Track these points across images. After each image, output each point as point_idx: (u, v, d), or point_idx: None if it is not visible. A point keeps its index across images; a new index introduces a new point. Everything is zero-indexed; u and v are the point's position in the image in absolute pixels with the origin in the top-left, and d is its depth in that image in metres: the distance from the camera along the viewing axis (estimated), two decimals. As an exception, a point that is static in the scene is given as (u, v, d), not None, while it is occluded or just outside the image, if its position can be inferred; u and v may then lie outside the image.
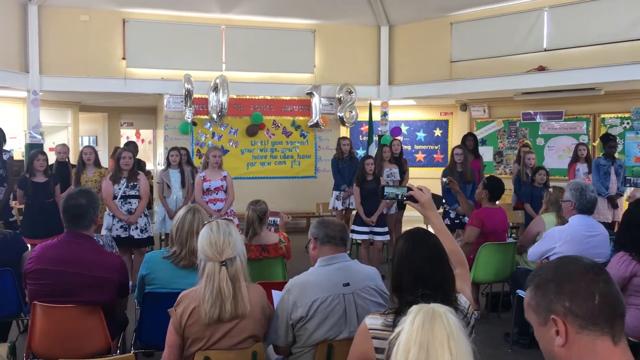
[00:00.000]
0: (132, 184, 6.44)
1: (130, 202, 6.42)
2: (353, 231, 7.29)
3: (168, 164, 7.59)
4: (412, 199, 2.56)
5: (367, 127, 11.37)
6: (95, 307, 3.22)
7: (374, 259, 7.16)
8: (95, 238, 3.61)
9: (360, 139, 12.62)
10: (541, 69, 9.73)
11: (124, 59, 10.42)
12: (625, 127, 10.13)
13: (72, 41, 10.15)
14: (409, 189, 2.57)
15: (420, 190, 2.55)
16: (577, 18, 9.42)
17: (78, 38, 10.17)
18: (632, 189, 6.57)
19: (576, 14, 9.43)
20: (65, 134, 12.77)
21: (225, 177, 6.96)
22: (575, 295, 1.39)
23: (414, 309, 1.44)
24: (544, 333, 1.45)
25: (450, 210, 7.17)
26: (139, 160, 10.20)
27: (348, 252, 8.41)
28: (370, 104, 11.17)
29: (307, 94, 11.13)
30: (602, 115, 10.44)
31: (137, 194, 6.46)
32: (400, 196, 2.59)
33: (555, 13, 9.69)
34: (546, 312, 1.43)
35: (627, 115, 10.08)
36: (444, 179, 6.07)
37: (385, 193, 2.64)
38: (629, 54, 8.77)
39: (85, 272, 3.17)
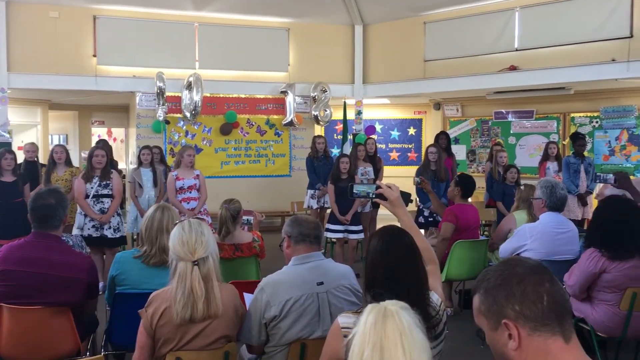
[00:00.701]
0: (104, 182, 6.34)
1: (102, 201, 6.32)
2: (328, 230, 7.30)
3: (140, 163, 7.50)
4: (381, 197, 2.56)
5: (341, 125, 11.38)
6: (64, 309, 3.16)
7: (348, 257, 7.17)
8: (64, 238, 3.54)
9: (335, 137, 12.64)
10: (513, 68, 9.85)
11: (94, 56, 10.25)
12: (594, 126, 10.33)
13: (41, 38, 9.95)
14: (378, 186, 2.57)
15: (389, 187, 2.56)
16: (547, 18, 9.56)
17: (47, 35, 9.98)
18: (601, 186, 6.68)
19: (546, 15, 9.57)
20: (34, 133, 12.52)
21: (197, 175, 6.91)
22: (524, 298, 1.41)
23: (367, 308, 1.42)
24: (496, 337, 1.46)
25: (423, 209, 7.23)
26: (112, 160, 10.07)
27: (322, 250, 8.41)
28: (345, 102, 11.19)
29: (282, 92, 11.10)
30: (572, 114, 10.62)
31: (110, 192, 6.37)
32: (370, 194, 2.59)
33: (526, 13, 9.83)
34: (497, 316, 1.43)
35: (596, 114, 10.28)
36: (416, 179, 6.10)
37: (354, 191, 2.64)
38: (598, 54, 8.93)
39: (53, 272, 3.10)
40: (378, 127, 12.84)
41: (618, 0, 8.88)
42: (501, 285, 1.44)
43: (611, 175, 4.81)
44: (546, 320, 1.39)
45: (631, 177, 5.13)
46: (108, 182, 6.36)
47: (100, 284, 3.99)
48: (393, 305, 1.41)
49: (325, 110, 11.24)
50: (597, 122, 10.28)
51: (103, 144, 7.84)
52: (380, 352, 1.33)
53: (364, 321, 1.38)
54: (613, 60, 8.73)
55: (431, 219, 7.06)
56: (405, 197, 2.62)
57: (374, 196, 2.58)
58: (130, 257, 3.33)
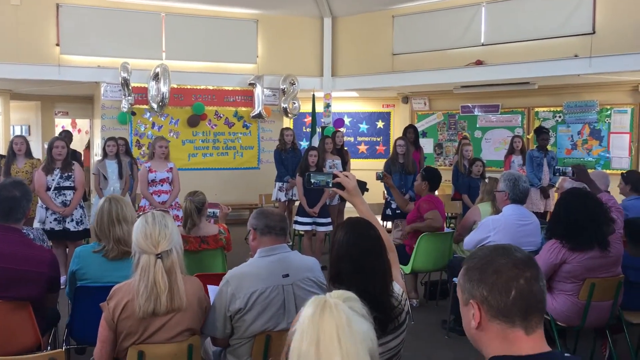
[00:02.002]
0: (66, 174, 6.22)
1: (64, 194, 6.20)
2: (296, 222, 7.31)
3: (105, 155, 7.37)
4: (339, 186, 2.57)
5: (310, 118, 11.38)
6: (24, 303, 3.09)
7: (316, 249, 7.20)
8: (25, 231, 3.46)
9: (304, 130, 12.62)
10: (479, 63, 9.98)
11: (57, 45, 10.01)
12: (557, 120, 10.54)
13: (2, 26, 9.66)
14: (335, 175, 2.58)
15: (346, 176, 2.57)
16: (512, 14, 9.71)
17: (8, 23, 9.69)
18: (560, 179, 6.83)
19: (512, 10, 9.72)
20: (-5, 123, 12.17)
21: (171, 168, 6.83)
22: (493, 287, 1.45)
23: (309, 302, 1.38)
24: (465, 312, 1.53)
25: (391, 201, 7.28)
26: (74, 151, 9.88)
27: (290, 242, 8.38)
28: (314, 95, 11.18)
29: (250, 84, 11.02)
30: (536, 109, 10.81)
31: (72, 185, 6.24)
32: (327, 183, 2.60)
33: (492, 9, 9.96)
34: (468, 294, 1.51)
35: (559, 109, 10.48)
36: (378, 173, 6.10)
37: (312, 180, 2.64)
38: (561, 50, 9.11)
39: (13, 266, 3.03)
40: (347, 120, 12.87)
41: (581, -3, 9.07)
42: (479, 269, 1.49)
43: (570, 168, 4.91)
44: (507, 313, 1.44)
45: (589, 170, 5.24)
46: (70, 173, 6.24)
47: (62, 278, 3.92)
48: (334, 297, 1.38)
49: (294, 103, 11.21)
50: (560, 116, 10.50)
51: (65, 135, 7.69)
52: (316, 346, 1.30)
53: (303, 315, 1.35)
54: (576, 56, 8.92)
55: (398, 212, 7.11)
56: (362, 186, 2.63)
57: (331, 185, 2.59)
58: (90, 251, 3.28)
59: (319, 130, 10.95)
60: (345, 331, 1.32)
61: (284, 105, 11.18)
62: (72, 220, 6.24)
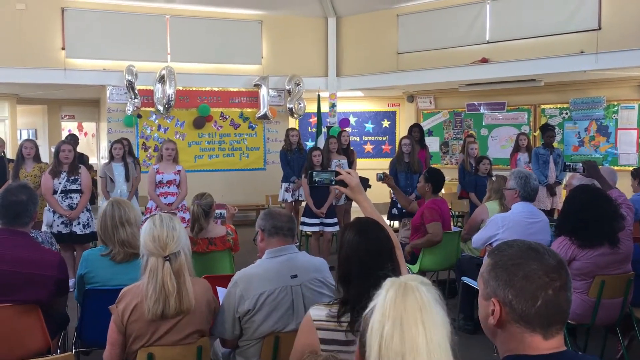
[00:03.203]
0: (73, 177, 6.23)
1: (71, 197, 6.22)
2: (303, 223, 7.30)
3: (111, 157, 7.39)
4: (342, 183, 2.57)
5: (315, 118, 11.37)
6: (33, 306, 3.09)
7: (323, 250, 7.19)
8: (33, 235, 3.48)
9: (309, 130, 12.62)
10: (484, 60, 9.94)
11: (63, 49, 10.05)
12: (564, 117, 10.49)
13: (8, 31, 9.70)
14: (338, 173, 2.58)
15: (349, 174, 2.56)
16: (517, 11, 9.67)
17: (14, 27, 9.73)
18: (569, 176, 6.80)
19: (517, 7, 9.68)
20: (2, 128, 12.24)
21: (179, 171, 6.84)
22: (520, 293, 1.42)
23: (386, 283, 1.38)
24: (484, 305, 1.52)
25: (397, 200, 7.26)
26: (82, 154, 9.92)
27: (297, 243, 8.38)
28: (319, 95, 11.17)
29: (255, 85, 11.03)
30: (542, 106, 10.76)
31: (79, 188, 6.26)
32: (330, 181, 2.60)
33: (497, 6, 9.91)
34: (491, 291, 1.48)
35: (565, 105, 10.43)
36: (379, 174, 6.02)
37: (315, 179, 2.64)
38: (567, 46, 9.06)
39: (22, 269, 3.04)
40: (352, 120, 12.86)
41: (586, -7, 9.02)
42: (508, 270, 1.45)
43: (580, 164, 4.89)
44: (530, 321, 1.42)
45: (599, 166, 5.21)
46: (77, 177, 6.25)
47: (71, 281, 3.93)
48: (413, 281, 1.38)
49: (300, 103, 11.21)
50: (566, 113, 10.44)
51: (71, 138, 7.72)
52: (400, 327, 1.30)
53: (383, 296, 1.35)
54: (582, 52, 8.87)
55: (405, 210, 7.09)
56: (364, 183, 2.64)
57: (334, 183, 2.59)
58: (98, 255, 3.28)
59: (324, 130, 10.94)
60: (429, 313, 1.32)
61: (290, 106, 11.18)
62: (79, 223, 6.26)
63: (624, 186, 5.97)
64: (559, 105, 10.55)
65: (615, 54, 8.55)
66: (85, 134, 15.78)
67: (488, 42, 10.03)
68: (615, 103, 9.92)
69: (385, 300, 1.34)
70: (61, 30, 10.05)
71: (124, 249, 3.20)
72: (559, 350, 1.45)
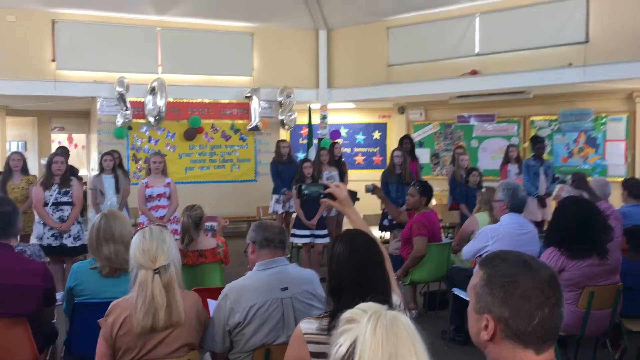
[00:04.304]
0: (64, 190, 6.21)
1: (62, 209, 6.20)
2: (294, 235, 7.30)
3: (101, 170, 7.36)
4: (330, 196, 2.57)
5: (306, 130, 11.39)
6: (21, 319, 3.06)
7: (314, 261, 7.18)
8: (21, 248, 3.45)
9: (300, 142, 12.63)
10: (474, 73, 10.02)
11: (53, 60, 10.03)
12: (553, 129, 10.57)
13: (-2, 42, 9.70)
14: (326, 186, 2.59)
15: (337, 187, 2.57)
16: (506, 24, 9.77)
17: (4, 39, 9.71)
18: (558, 187, 6.85)
19: (506, 20, 9.77)
20: (-9, 140, 12.17)
21: (168, 183, 6.80)
22: (517, 312, 1.42)
23: (365, 318, 1.29)
24: (475, 320, 1.50)
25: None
26: (72, 167, 9.86)
27: (288, 255, 8.38)
28: (310, 107, 11.20)
29: (246, 97, 11.04)
30: (532, 118, 10.85)
31: (70, 200, 6.24)
32: (319, 194, 2.61)
33: (486, 19, 10.01)
34: (485, 306, 1.47)
35: (554, 117, 10.52)
36: (368, 186, 6.01)
37: (304, 192, 2.64)
38: (556, 58, 9.15)
39: (6, 282, 3.01)
40: (343, 132, 12.89)
41: (574, 6, 9.13)
42: (505, 288, 1.44)
43: (569, 176, 4.92)
44: (525, 339, 1.42)
45: (588, 178, 5.26)
46: (68, 189, 6.23)
47: (60, 294, 3.90)
48: (394, 312, 1.32)
49: (291, 115, 11.24)
50: (555, 125, 10.53)
51: (62, 151, 7.69)
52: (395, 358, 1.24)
53: (371, 331, 1.25)
54: (570, 64, 8.96)
55: (395, 222, 7.11)
56: (352, 196, 2.64)
57: (322, 196, 2.59)
58: (87, 267, 3.26)
59: (315, 142, 10.96)
60: (419, 344, 1.28)
61: (281, 118, 11.20)
62: (70, 236, 6.23)
63: (613, 197, 6.02)
64: (548, 117, 10.64)
65: (603, 67, 8.64)
66: (75, 145, 15.70)
67: (478, 55, 10.12)
68: (604, 115, 10.02)
69: (376, 335, 1.25)
70: (51, 42, 10.04)
71: (108, 263, 3.17)
72: None
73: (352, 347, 1.27)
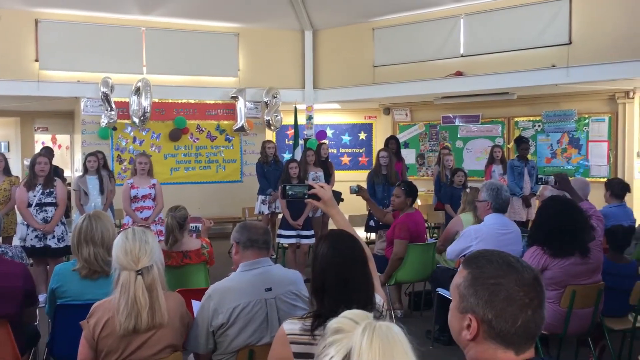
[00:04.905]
0: (48, 190, 6.16)
1: (46, 210, 6.15)
2: (280, 235, 7.30)
3: (85, 170, 7.30)
4: (315, 197, 2.58)
5: (292, 131, 11.39)
6: (2, 321, 3.03)
7: (300, 262, 7.18)
8: (2, 249, 3.42)
9: (287, 142, 12.63)
10: (459, 74, 10.08)
11: (36, 60, 9.93)
12: (536, 129, 10.66)
13: (-20, 42, 9.58)
14: (311, 187, 2.60)
15: (322, 187, 2.58)
16: (491, 25, 9.84)
17: (-14, 39, 9.62)
18: (542, 187, 6.91)
19: (490, 22, 9.85)
20: (-27, 140, 12.03)
21: (154, 185, 6.77)
22: (500, 315, 1.43)
23: (361, 326, 1.24)
24: (458, 319, 1.51)
25: (374, 212, 7.29)
26: (56, 167, 9.78)
27: (274, 256, 8.33)
28: (296, 107, 11.20)
29: (232, 97, 11.02)
30: (516, 119, 10.94)
31: (54, 201, 6.19)
32: (303, 195, 2.61)
33: (471, 20, 10.08)
34: (468, 306, 1.48)
35: (538, 118, 10.61)
36: (353, 187, 6.01)
37: (288, 192, 2.65)
38: (539, 60, 9.24)
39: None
40: (329, 132, 12.91)
41: (557, 8, 9.22)
42: (488, 289, 1.45)
43: (552, 177, 4.97)
44: (507, 340, 1.44)
45: (570, 178, 5.31)
46: (52, 190, 6.18)
47: (43, 296, 3.87)
48: (387, 324, 1.28)
49: (277, 116, 11.23)
50: (539, 126, 10.62)
51: (46, 151, 7.62)
52: None
53: (367, 345, 1.21)
54: (553, 66, 9.05)
55: (382, 223, 7.13)
56: (337, 196, 2.65)
57: (307, 196, 2.60)
58: (70, 269, 3.23)
59: (301, 142, 10.96)
60: (411, 354, 1.25)
61: (267, 118, 11.19)
62: (54, 237, 6.19)
63: (596, 197, 6.09)
64: (531, 118, 10.73)
65: (586, 68, 8.74)
66: (60, 146, 15.57)
67: (462, 56, 10.18)
68: (586, 116, 10.13)
69: (372, 348, 1.21)
70: (35, 42, 9.94)
71: (87, 265, 3.15)
72: (525, 358, 1.47)
73: (347, 359, 1.23)
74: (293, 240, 7.21)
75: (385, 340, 1.22)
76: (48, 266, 6.26)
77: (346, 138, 13.20)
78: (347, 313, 1.32)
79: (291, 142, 11.70)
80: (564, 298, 3.88)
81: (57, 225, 6.22)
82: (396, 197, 5.80)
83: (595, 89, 9.69)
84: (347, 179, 10.67)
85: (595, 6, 8.96)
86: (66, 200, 6.49)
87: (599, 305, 4.02)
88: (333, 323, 1.28)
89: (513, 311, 1.42)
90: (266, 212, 8.50)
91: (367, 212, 7.96)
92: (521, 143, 8.45)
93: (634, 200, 8.38)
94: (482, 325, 1.45)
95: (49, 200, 6.16)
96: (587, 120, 10.12)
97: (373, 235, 7.96)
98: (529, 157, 8.74)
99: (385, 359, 1.20)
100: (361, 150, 13.17)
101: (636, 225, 5.81)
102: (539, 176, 5.47)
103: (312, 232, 7.29)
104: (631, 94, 9.65)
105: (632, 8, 8.56)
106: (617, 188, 5.84)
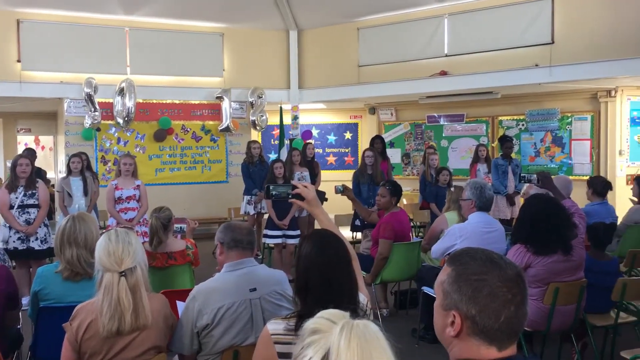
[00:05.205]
0: (30, 192, 6.11)
1: (28, 212, 6.10)
2: (266, 235, 7.29)
3: (69, 172, 7.25)
4: (298, 197, 2.58)
5: (278, 131, 11.37)
6: (-16, 325, 3.01)
7: (286, 262, 7.18)
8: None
9: (272, 142, 12.62)
10: (443, 73, 10.13)
11: (19, 61, 9.82)
12: (520, 128, 10.75)
13: (-40, 42, 9.46)
14: (294, 187, 2.60)
15: (305, 187, 2.58)
16: (474, 25, 9.90)
17: (-33, 39, 9.50)
18: (526, 185, 6.97)
19: (474, 21, 9.91)
20: (-46, 142, 11.88)
21: (138, 186, 6.72)
22: (484, 310, 1.44)
23: (338, 326, 1.23)
24: (442, 316, 1.52)
25: (359, 212, 7.30)
26: (39, 169, 9.69)
27: (260, 256, 8.31)
28: (281, 107, 11.19)
29: (217, 97, 10.98)
30: (500, 118, 11.02)
31: (36, 203, 6.14)
32: (288, 194, 2.62)
33: (455, 20, 10.14)
34: (452, 303, 1.48)
35: (522, 117, 10.71)
36: (338, 187, 6.00)
37: (272, 192, 2.65)
38: (522, 59, 9.31)
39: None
40: (315, 132, 12.91)
41: (540, 8, 9.30)
42: (472, 285, 1.46)
43: (534, 175, 5.02)
44: (490, 336, 1.45)
45: (553, 176, 5.36)
46: (34, 191, 6.13)
47: (26, 299, 3.83)
48: (365, 321, 1.26)
49: (262, 116, 11.21)
50: (523, 124, 10.71)
51: (28, 153, 7.55)
52: None
53: (345, 344, 1.19)
54: (536, 65, 9.13)
55: (367, 222, 7.15)
56: (321, 196, 2.67)
57: (290, 196, 2.60)
58: (53, 271, 3.20)
59: (287, 142, 10.96)
60: (391, 348, 1.24)
61: (252, 118, 11.17)
62: (37, 238, 6.15)
63: (579, 195, 6.16)
64: (515, 117, 10.82)
65: (568, 67, 8.83)
66: (43, 147, 15.43)
67: (447, 56, 10.23)
68: (569, 114, 10.23)
69: (351, 347, 1.19)
70: (17, 42, 9.83)
71: (70, 267, 3.13)
72: (507, 355, 1.48)
73: (325, 359, 1.21)
74: (279, 241, 7.21)
75: (363, 339, 1.21)
76: (31, 268, 6.21)
77: (332, 138, 13.22)
78: (323, 313, 1.30)
79: (277, 142, 11.69)
80: (547, 295, 3.92)
81: (40, 227, 6.18)
82: (382, 196, 5.81)
83: (578, 88, 9.80)
84: (333, 179, 10.68)
85: (577, 6, 9.05)
86: (49, 202, 6.44)
87: (581, 302, 4.07)
88: (310, 324, 1.26)
89: (496, 307, 1.43)
90: (252, 212, 8.48)
91: (352, 212, 7.97)
92: (505, 142, 8.52)
93: (616, 198, 8.47)
94: (465, 322, 1.46)
95: (31, 201, 6.11)
96: (570, 119, 10.23)
97: (359, 235, 7.97)
98: (513, 155, 8.81)
99: (363, 358, 1.19)
100: (347, 150, 13.20)
101: (618, 223, 5.90)
102: (522, 174, 5.53)
103: (298, 232, 7.29)
104: (613, 93, 9.77)
105: (613, 8, 8.65)
106: (599, 186, 5.92)
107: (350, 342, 1.20)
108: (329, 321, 1.26)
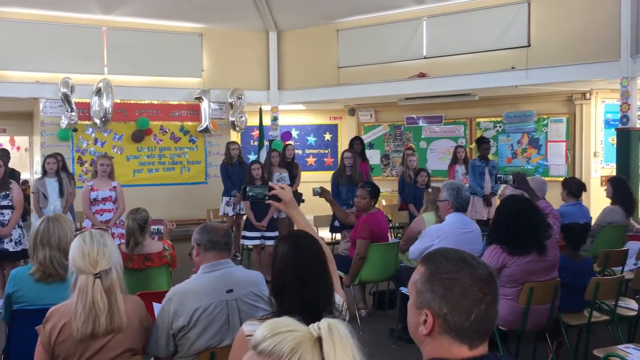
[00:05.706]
0: (3, 193, 6.03)
1: (2, 213, 6.05)
2: (244, 237, 7.27)
3: (44, 173, 7.15)
4: (275, 198, 2.59)
5: (257, 132, 11.35)
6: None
7: (264, 263, 7.16)
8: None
9: (252, 143, 12.58)
10: (422, 75, 10.21)
11: (-7, 60, 9.68)
12: (497, 130, 10.88)
13: None
14: (271, 188, 2.60)
15: (282, 188, 2.59)
16: (452, 28, 10.00)
17: (-61, 37, 9.32)
18: (503, 187, 7.05)
19: (451, 24, 10.00)
20: None
21: (114, 187, 6.65)
22: (455, 308, 1.46)
23: (324, 337, 1.16)
24: (415, 315, 1.53)
25: (338, 213, 7.31)
26: (13, 170, 9.54)
27: (239, 257, 8.27)
28: (260, 108, 11.17)
29: (196, 98, 10.92)
30: (478, 119, 11.14)
31: (10, 204, 6.07)
32: (264, 196, 2.62)
33: (433, 22, 10.22)
34: (424, 301, 1.50)
35: (499, 119, 10.83)
36: (316, 189, 5.95)
37: (248, 194, 2.65)
38: (499, 62, 9.43)
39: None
40: (294, 133, 12.90)
41: (516, 11, 9.43)
42: (444, 284, 1.47)
43: (510, 176, 5.08)
44: (461, 334, 1.47)
45: (528, 177, 5.43)
46: (7, 192, 6.06)
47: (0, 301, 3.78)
48: (333, 321, 1.20)
49: (242, 117, 11.18)
50: (500, 126, 10.84)
51: (2, 154, 7.44)
52: None
53: (341, 352, 1.15)
54: (513, 68, 9.25)
55: (344, 224, 7.17)
56: (298, 197, 2.67)
57: (267, 198, 2.61)
58: (26, 273, 3.16)
59: (266, 143, 10.93)
60: (359, 348, 1.19)
61: (232, 119, 11.13)
62: (11, 240, 6.08)
63: (554, 196, 6.25)
64: (493, 119, 10.94)
65: (544, 70, 8.96)
66: (18, 148, 15.18)
67: (425, 58, 10.31)
68: (545, 116, 10.38)
69: (337, 353, 1.14)
70: (-9, 41, 9.68)
71: (42, 268, 3.09)
72: (480, 354, 1.50)
73: None
74: (257, 242, 7.20)
75: (340, 340, 1.16)
76: (5, 270, 6.12)
77: (311, 139, 13.23)
78: (282, 327, 1.18)
79: (256, 143, 11.66)
80: (521, 295, 3.97)
81: (15, 228, 6.11)
82: (362, 198, 5.80)
83: (554, 91, 9.95)
84: (312, 180, 10.69)
85: (553, 10, 9.19)
86: (23, 203, 6.36)
87: (555, 302, 4.13)
88: (283, 346, 1.14)
89: (467, 305, 1.45)
90: (231, 213, 8.46)
91: (332, 213, 7.99)
92: (482, 143, 8.61)
93: (590, 199, 8.60)
94: (437, 320, 1.47)
95: (4, 203, 6.05)
96: (546, 121, 10.37)
97: (338, 236, 8.00)
98: (490, 157, 8.90)
99: (347, 356, 1.16)
100: (326, 151, 13.21)
101: (592, 223, 5.99)
102: (498, 176, 5.60)
103: (276, 234, 7.27)
104: (588, 95, 9.94)
105: (588, 12, 8.81)
106: (574, 187, 6.01)
107: (336, 347, 1.15)
108: (297, 331, 1.17)
